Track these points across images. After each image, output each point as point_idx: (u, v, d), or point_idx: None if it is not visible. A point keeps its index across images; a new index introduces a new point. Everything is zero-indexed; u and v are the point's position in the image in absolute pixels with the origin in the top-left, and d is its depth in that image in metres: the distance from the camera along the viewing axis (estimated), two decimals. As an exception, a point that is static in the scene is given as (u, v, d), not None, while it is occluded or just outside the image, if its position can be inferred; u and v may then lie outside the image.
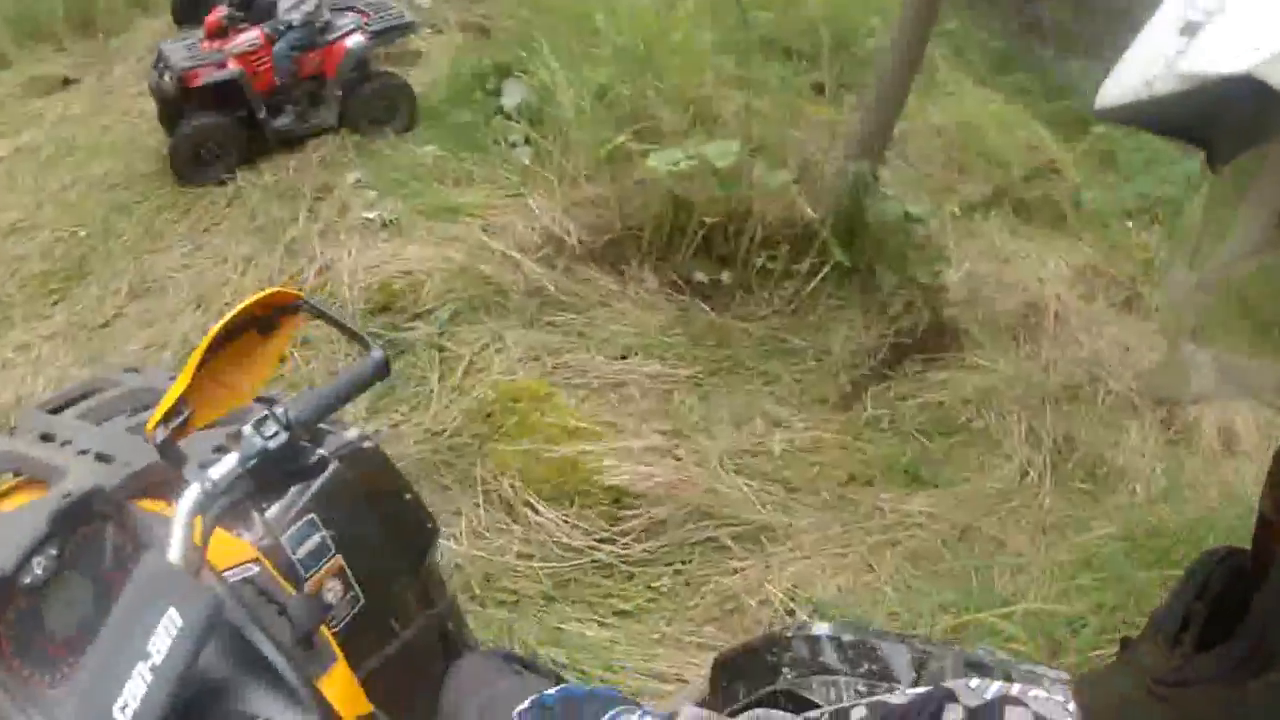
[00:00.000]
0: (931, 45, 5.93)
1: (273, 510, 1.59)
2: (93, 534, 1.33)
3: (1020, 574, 3.81)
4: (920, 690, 0.82)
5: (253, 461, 1.31)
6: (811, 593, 3.56)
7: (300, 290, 1.82)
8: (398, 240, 5.01)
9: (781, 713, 1.03)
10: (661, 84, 5.30)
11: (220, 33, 6.08)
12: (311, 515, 1.61)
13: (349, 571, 1.65)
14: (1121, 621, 3.31)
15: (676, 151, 4.83)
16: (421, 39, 7.31)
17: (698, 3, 5.77)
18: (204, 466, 1.29)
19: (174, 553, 1.18)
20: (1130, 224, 6.63)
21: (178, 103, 6.04)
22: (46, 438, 1.63)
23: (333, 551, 1.62)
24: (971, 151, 6.41)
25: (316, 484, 1.63)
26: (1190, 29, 0.49)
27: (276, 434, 1.34)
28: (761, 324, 4.89)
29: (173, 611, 1.09)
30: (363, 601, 1.68)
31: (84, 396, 1.86)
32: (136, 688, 1.06)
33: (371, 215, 5.18)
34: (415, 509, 1.88)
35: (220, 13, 6.15)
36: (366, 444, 1.79)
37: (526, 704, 1.12)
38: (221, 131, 5.98)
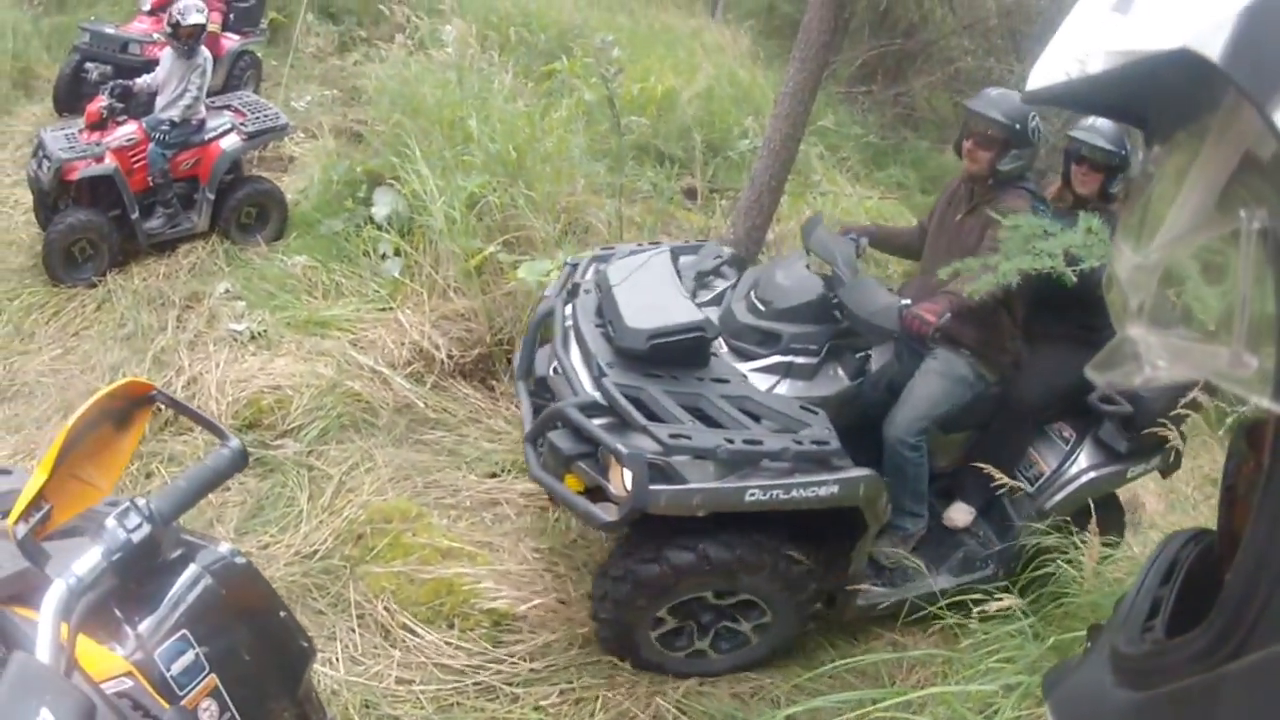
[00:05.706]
0: (806, 145, 6.01)
1: (144, 624, 1.54)
2: None
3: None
4: None
5: (117, 555, 1.31)
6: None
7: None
8: (266, 354, 4.93)
9: None
10: (532, 192, 5.27)
11: (100, 124, 5.81)
12: (184, 631, 1.56)
13: (224, 691, 1.59)
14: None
15: (547, 262, 4.79)
16: (295, 143, 7.21)
17: (571, 108, 5.77)
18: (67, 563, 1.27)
19: (42, 652, 1.18)
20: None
21: (54, 196, 5.79)
22: None
23: (207, 670, 1.57)
24: (846, 252, 6.37)
25: (189, 600, 1.59)
26: (1122, 5, 0.48)
27: (139, 526, 1.34)
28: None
29: (45, 712, 1.07)
30: None
31: None
32: None
33: (240, 327, 5.10)
34: (290, 627, 1.83)
35: (100, 101, 5.87)
36: (239, 559, 1.74)
37: None
38: (95, 231, 5.75)
